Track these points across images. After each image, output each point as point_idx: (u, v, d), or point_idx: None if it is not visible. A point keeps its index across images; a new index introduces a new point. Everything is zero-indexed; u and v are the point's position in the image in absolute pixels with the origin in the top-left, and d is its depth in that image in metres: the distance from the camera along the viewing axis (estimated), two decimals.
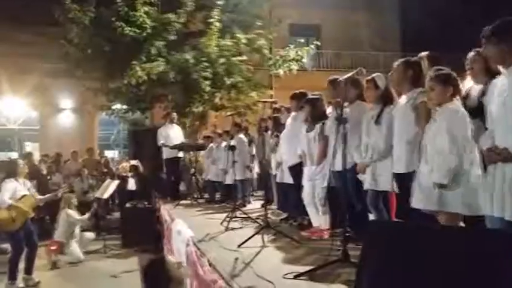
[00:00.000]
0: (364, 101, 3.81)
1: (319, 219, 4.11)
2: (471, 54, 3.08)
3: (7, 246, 5.97)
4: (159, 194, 8.36)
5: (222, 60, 9.37)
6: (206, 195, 7.90)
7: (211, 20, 9.13)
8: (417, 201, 2.73)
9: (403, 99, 3.23)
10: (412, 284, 1.46)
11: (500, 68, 2.31)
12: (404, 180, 3.08)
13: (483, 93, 2.84)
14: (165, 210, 6.51)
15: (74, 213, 6.62)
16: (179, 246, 4.36)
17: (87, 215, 6.86)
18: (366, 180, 3.49)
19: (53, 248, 6.31)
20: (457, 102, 2.71)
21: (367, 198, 3.47)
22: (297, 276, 2.70)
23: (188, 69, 9.11)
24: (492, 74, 2.65)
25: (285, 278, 2.70)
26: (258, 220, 4.73)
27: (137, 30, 8.92)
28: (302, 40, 11.16)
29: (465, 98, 3.00)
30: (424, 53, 3.23)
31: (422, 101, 3.02)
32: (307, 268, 2.80)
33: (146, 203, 8.19)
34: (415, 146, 3.02)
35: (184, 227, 4.62)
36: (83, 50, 9.27)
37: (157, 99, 10.13)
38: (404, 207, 2.99)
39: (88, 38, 9.22)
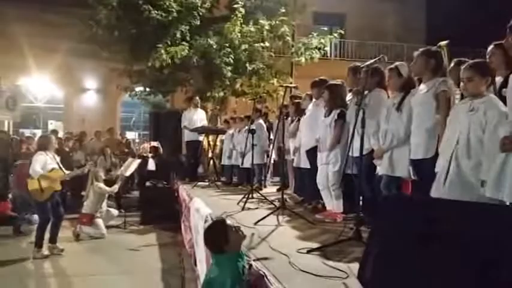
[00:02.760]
0: (383, 89, 3.87)
1: (332, 203, 4.22)
2: (490, 47, 3.11)
3: (35, 217, 6.29)
4: (178, 174, 8.60)
5: (244, 46, 9.43)
6: (223, 179, 8.08)
7: (236, 5, 9.19)
8: (453, 195, 2.64)
9: (423, 88, 3.29)
10: (414, 255, 1.56)
11: None
12: (423, 165, 3.15)
13: (503, 85, 2.86)
14: (184, 190, 6.73)
15: (103, 186, 6.88)
16: (197, 223, 4.54)
17: (115, 186, 7.12)
18: (382, 166, 3.57)
19: (84, 220, 6.59)
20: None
21: (382, 183, 3.55)
22: (310, 251, 2.83)
23: (211, 55, 9.21)
24: None
25: (299, 252, 2.83)
26: (274, 202, 4.87)
27: (163, 14, 9.05)
28: (325, 28, 11.05)
29: None
30: (443, 42, 3.27)
31: (443, 90, 3.08)
32: (321, 245, 2.93)
33: (165, 182, 8.44)
34: (434, 133, 3.08)
35: (202, 204, 4.80)
36: (110, 31, 9.47)
37: (179, 83, 10.31)
38: (421, 191, 3.05)
39: (115, 20, 9.41)
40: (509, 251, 1.43)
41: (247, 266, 2.42)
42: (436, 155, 3.00)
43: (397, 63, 3.69)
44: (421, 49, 3.37)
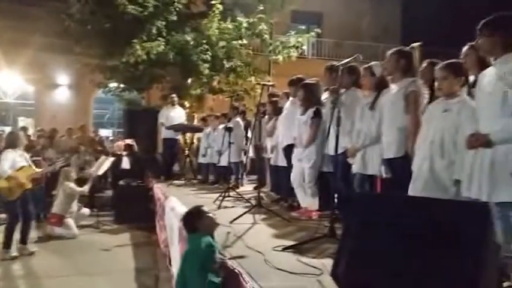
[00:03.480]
0: (359, 88, 3.91)
1: (308, 200, 4.25)
2: (465, 47, 3.17)
3: (3, 216, 6.07)
4: (153, 173, 8.47)
5: (222, 43, 9.37)
6: (200, 177, 8.02)
7: (213, 2, 9.11)
8: (428, 193, 2.68)
9: (394, 88, 3.33)
10: (387, 242, 1.59)
11: (491, 60, 2.42)
12: (395, 164, 3.20)
13: (473, 84, 2.93)
14: (158, 188, 6.63)
15: (74, 186, 6.69)
16: (172, 222, 4.48)
17: (86, 187, 6.94)
18: (356, 164, 3.61)
19: (52, 220, 6.40)
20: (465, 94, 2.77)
21: (355, 181, 3.60)
22: (286, 248, 2.84)
23: (188, 51, 9.12)
24: (484, 66, 2.73)
25: (274, 250, 2.83)
26: (250, 200, 4.85)
27: (139, 9, 8.88)
28: (303, 27, 11.12)
29: None
30: (416, 44, 3.32)
31: (413, 90, 3.13)
32: (296, 243, 2.94)
33: (140, 181, 8.30)
34: (404, 133, 3.13)
35: (177, 203, 4.74)
36: (84, 26, 9.22)
37: (155, 80, 10.16)
38: (394, 189, 3.10)
39: (89, 13, 9.17)
40: (473, 242, 1.47)
41: (218, 251, 2.59)
42: (407, 153, 3.05)
43: (371, 63, 3.73)
44: (393, 49, 3.42)
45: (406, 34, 15.58)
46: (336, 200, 3.65)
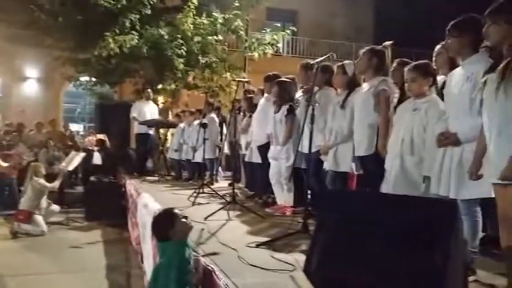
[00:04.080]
0: (332, 87, 3.96)
1: (284, 197, 4.28)
2: (437, 47, 3.25)
3: None
4: (125, 169, 8.32)
5: (197, 38, 9.28)
6: (173, 173, 7.93)
7: None
8: (399, 190, 2.73)
9: (365, 86, 3.40)
10: (358, 238, 1.62)
11: (459, 60, 2.49)
12: (366, 161, 3.26)
13: (444, 84, 3.01)
14: (131, 185, 6.51)
15: (43, 181, 6.48)
16: (145, 219, 4.41)
17: (56, 183, 6.73)
18: (328, 161, 3.66)
19: (20, 217, 6.17)
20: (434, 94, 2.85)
21: (327, 178, 3.65)
22: (259, 245, 2.85)
23: (162, 45, 8.98)
24: (454, 66, 2.80)
25: (248, 246, 2.84)
26: (225, 197, 4.84)
27: (112, 1, 8.66)
28: (278, 24, 11.17)
29: None
30: (388, 43, 3.38)
31: (383, 89, 3.19)
32: (270, 239, 2.95)
33: (112, 177, 8.13)
34: (375, 131, 3.19)
35: (151, 200, 4.67)
36: (54, 17, 8.92)
37: (128, 74, 9.96)
38: (366, 186, 3.16)
39: (59, 5, 8.89)
40: (441, 237, 1.51)
41: (193, 258, 2.43)
42: (378, 151, 3.11)
43: (344, 61, 3.78)
44: (366, 47, 3.48)
45: (379, 34, 15.85)
46: (309, 197, 3.70)
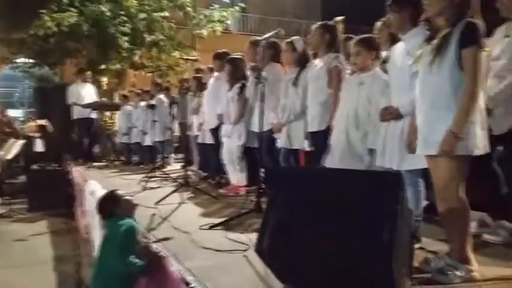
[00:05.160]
0: (279, 63, 3.92)
1: (237, 176, 4.25)
2: (378, 23, 3.29)
3: None
4: (70, 155, 7.91)
5: (142, 15, 8.89)
6: (123, 158, 7.65)
7: None
8: (344, 164, 2.78)
9: (318, 63, 3.39)
10: (308, 216, 1.62)
11: (400, 35, 2.52)
12: (318, 137, 3.29)
13: (386, 59, 3.06)
14: (77, 172, 6.21)
15: None
16: (93, 207, 4.22)
17: None
18: (281, 139, 3.65)
19: None
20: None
21: (280, 155, 3.65)
22: (213, 226, 2.81)
23: (104, 23, 8.50)
24: (395, 42, 2.85)
25: (201, 228, 2.79)
26: (177, 180, 4.73)
27: None
28: (227, 1, 10.93)
29: None
30: (339, 18, 3.37)
31: (335, 65, 3.20)
32: (223, 220, 2.92)
33: (56, 165, 7.70)
34: (327, 107, 3.22)
35: (98, 187, 4.47)
36: None
37: (69, 54, 9.36)
38: (316, 162, 3.19)
39: None
40: (388, 209, 1.54)
41: (140, 235, 2.45)
42: (329, 127, 3.14)
43: (293, 38, 3.75)
44: (318, 23, 3.46)
45: (328, 11, 15.98)
46: (262, 175, 3.69)
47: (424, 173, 2.39)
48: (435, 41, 1.91)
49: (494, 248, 2.31)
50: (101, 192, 4.10)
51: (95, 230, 4.16)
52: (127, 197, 2.52)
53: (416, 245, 2.25)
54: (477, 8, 1.90)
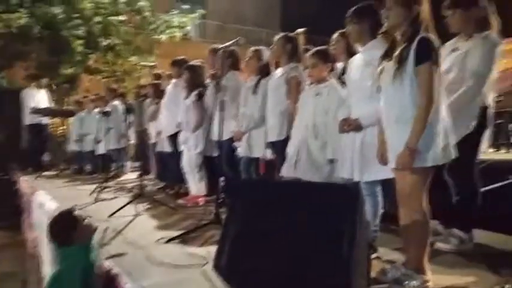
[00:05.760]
0: (237, 71, 3.91)
1: (196, 186, 4.16)
2: (335, 35, 3.35)
3: None
4: (18, 164, 7.44)
5: (97, 18, 8.60)
6: (74, 166, 7.30)
7: None
8: (304, 174, 2.81)
9: (278, 72, 3.40)
10: (267, 230, 1.59)
11: (358, 47, 2.57)
12: (278, 147, 3.28)
13: (343, 71, 3.11)
14: (25, 181, 5.86)
15: None
16: (41, 219, 3.99)
17: None
18: (242, 148, 3.62)
19: None
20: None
21: (241, 164, 3.61)
22: (169, 240, 2.71)
23: (57, 25, 8.16)
24: (352, 54, 2.90)
25: (157, 243, 2.68)
26: (133, 190, 4.56)
27: None
28: (187, 7, 10.82)
29: None
30: (300, 30, 3.40)
31: (294, 75, 3.22)
32: (181, 232, 2.83)
33: (2, 174, 7.23)
34: (286, 116, 3.22)
35: (47, 198, 4.24)
36: None
37: (18, 57, 8.85)
38: (276, 171, 3.17)
39: None
40: (346, 223, 1.54)
41: (98, 262, 2.24)
42: (289, 136, 3.14)
43: (260, 47, 3.76)
44: (280, 34, 3.48)
45: (286, 21, 16.22)
46: (222, 184, 3.63)
47: (382, 182, 2.43)
48: (395, 56, 1.95)
49: (446, 256, 2.38)
50: (50, 204, 3.88)
51: (43, 244, 3.92)
52: (86, 222, 2.24)
53: (373, 255, 2.28)
54: (431, 24, 1.97)
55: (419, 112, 1.85)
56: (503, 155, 5.01)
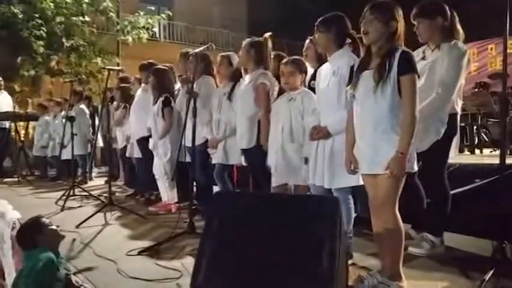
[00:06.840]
0: (210, 76, 3.84)
1: (168, 193, 4.07)
2: (307, 41, 3.35)
3: None
4: None
5: (59, 18, 8.29)
6: (37, 172, 6.99)
7: None
8: (283, 178, 2.81)
9: (247, 79, 3.35)
10: (246, 245, 1.56)
11: (327, 55, 2.59)
12: (249, 154, 3.24)
13: (313, 77, 3.11)
14: None
15: None
16: (2, 230, 3.77)
17: None
18: (217, 155, 3.55)
19: None
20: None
21: (215, 171, 3.55)
22: (141, 252, 2.62)
23: (16, 25, 7.80)
24: (323, 60, 2.91)
25: (128, 255, 2.59)
26: (101, 197, 4.41)
27: None
28: (153, 8, 10.60)
29: None
30: (267, 34, 3.35)
31: (262, 82, 3.15)
32: (154, 243, 2.74)
33: None
34: (255, 124, 3.17)
35: (8, 208, 4.01)
36: None
37: None
38: (247, 178, 3.14)
39: None
40: (327, 235, 1.54)
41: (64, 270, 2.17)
42: (259, 143, 3.10)
43: (229, 53, 3.70)
44: (246, 39, 3.43)
45: (252, 24, 16.23)
46: (194, 191, 3.56)
47: (353, 189, 2.46)
48: (376, 68, 1.97)
49: (418, 260, 2.43)
50: (12, 214, 3.67)
51: (5, 256, 3.71)
52: (53, 227, 2.24)
53: (349, 261, 2.29)
54: (403, 37, 2.02)
55: (409, 118, 1.90)
56: (467, 157, 5.19)
